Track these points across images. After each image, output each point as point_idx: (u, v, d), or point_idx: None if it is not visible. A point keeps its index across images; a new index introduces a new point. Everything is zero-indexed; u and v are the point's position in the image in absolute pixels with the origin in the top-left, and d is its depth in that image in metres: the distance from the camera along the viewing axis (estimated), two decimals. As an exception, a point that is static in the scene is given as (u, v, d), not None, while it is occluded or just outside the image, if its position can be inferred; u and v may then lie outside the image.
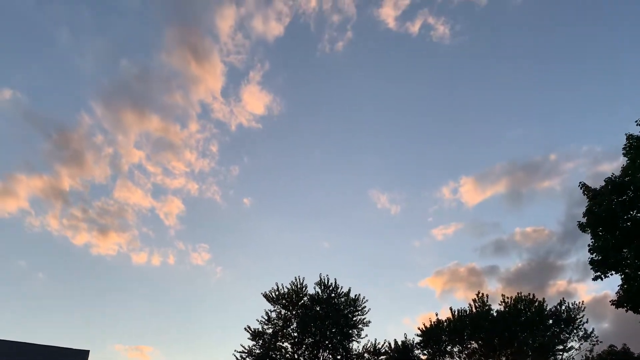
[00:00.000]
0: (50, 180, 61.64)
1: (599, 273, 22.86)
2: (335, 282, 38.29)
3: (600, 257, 22.63)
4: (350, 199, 79.73)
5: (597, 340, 38.60)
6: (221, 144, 72.54)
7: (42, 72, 69.59)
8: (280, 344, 37.85)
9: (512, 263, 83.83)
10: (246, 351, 37.07)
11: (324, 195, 75.19)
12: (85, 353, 24.70)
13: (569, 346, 39.19)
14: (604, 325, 67.53)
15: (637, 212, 21.92)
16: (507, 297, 40.42)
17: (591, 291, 79.50)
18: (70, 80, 70.20)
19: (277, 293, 38.43)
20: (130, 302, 77.79)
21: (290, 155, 74.62)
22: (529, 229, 73.07)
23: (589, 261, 22.95)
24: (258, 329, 37.72)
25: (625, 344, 38.02)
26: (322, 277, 38.42)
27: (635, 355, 36.76)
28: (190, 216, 75.18)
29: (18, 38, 67.27)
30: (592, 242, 22.89)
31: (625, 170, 22.20)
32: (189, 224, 75.94)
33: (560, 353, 39.33)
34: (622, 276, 22.86)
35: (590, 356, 38.58)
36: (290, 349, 37.91)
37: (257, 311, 55.73)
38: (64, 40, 68.08)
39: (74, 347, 24.91)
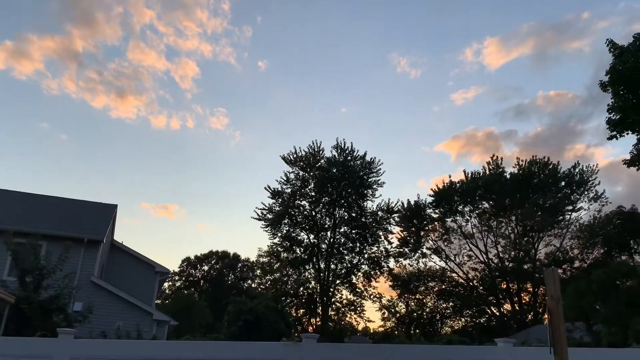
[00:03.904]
0: (63, 42, 60.39)
1: (614, 132, 22.53)
2: (352, 146, 38.88)
3: (618, 117, 22.16)
4: (369, 62, 77.13)
5: (606, 201, 39.38)
6: (233, 1, 68.88)
7: None
8: (299, 202, 39.81)
9: (532, 128, 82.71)
10: (267, 208, 39.19)
11: (341, 59, 72.71)
12: (113, 207, 25.61)
13: (578, 207, 40.22)
14: (618, 188, 68.22)
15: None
16: (522, 160, 40.76)
17: (609, 155, 78.24)
18: None
19: (295, 156, 39.44)
20: (153, 164, 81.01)
21: (306, 17, 71.00)
22: (552, 93, 70.54)
23: (606, 121, 22.49)
24: (277, 188, 39.46)
25: (634, 205, 38.87)
26: (338, 141, 38.98)
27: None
28: (206, 79, 74.50)
29: None
30: (612, 101, 22.22)
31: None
32: (206, 88, 75.57)
33: (569, 213, 40.54)
34: (639, 136, 22.64)
35: (598, 216, 39.69)
36: (308, 207, 39.96)
37: (275, 174, 57.76)
38: None
39: (102, 202, 26.11)
